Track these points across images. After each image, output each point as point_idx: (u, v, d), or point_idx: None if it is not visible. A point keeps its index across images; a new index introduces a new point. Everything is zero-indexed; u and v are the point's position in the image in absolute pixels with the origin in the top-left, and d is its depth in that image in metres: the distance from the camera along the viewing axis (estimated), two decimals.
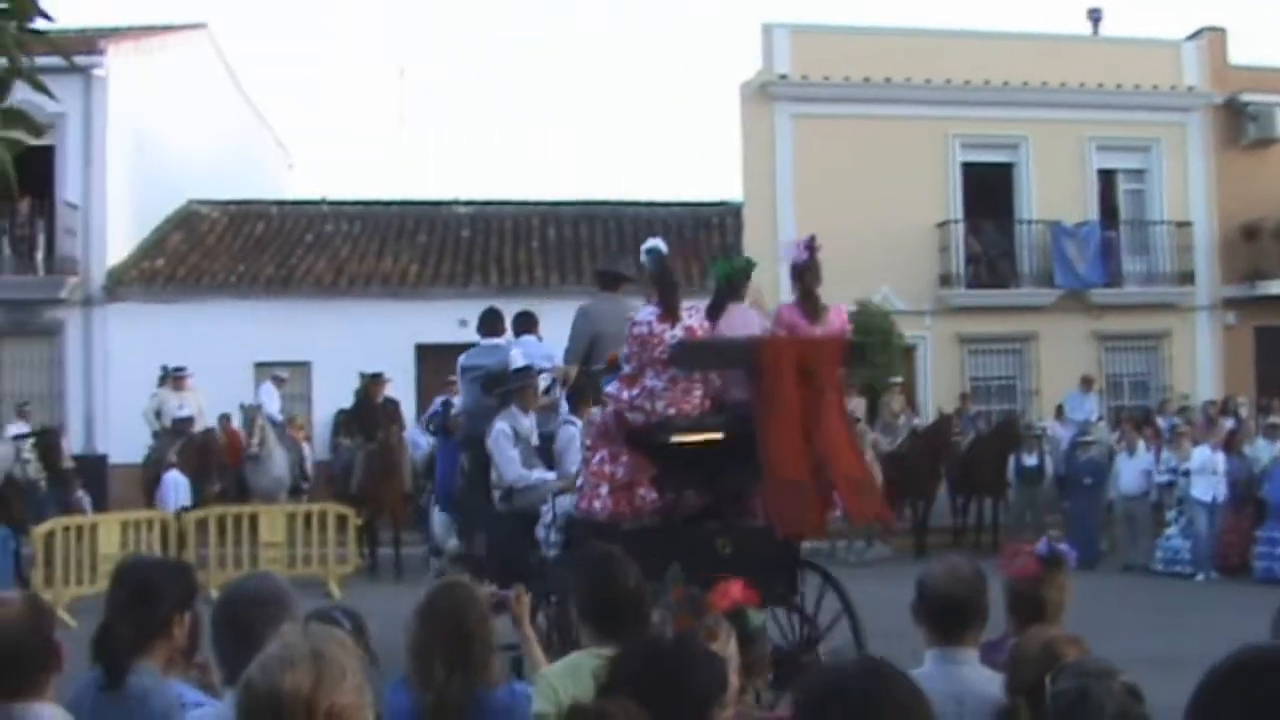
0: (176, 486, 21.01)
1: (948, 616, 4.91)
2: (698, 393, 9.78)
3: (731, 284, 10.65)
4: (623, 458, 9.82)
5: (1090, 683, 3.80)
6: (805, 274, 10.31)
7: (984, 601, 4.93)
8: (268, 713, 3.01)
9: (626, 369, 9.85)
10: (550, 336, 23.22)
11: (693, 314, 9.91)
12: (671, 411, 9.65)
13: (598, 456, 9.94)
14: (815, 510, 9.49)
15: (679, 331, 9.62)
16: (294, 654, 3.09)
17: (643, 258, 10.25)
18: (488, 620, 5.23)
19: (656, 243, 10.39)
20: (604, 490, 9.84)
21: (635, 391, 9.69)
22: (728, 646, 4.74)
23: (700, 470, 9.98)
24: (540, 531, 10.64)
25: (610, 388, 10.07)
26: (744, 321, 10.22)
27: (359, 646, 4.02)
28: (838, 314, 10.26)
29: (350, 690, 3.09)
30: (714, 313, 10.18)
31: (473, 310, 25.16)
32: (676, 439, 9.70)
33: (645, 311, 9.80)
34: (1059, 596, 5.41)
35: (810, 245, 10.44)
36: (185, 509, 20.14)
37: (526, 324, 13.06)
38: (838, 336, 10.08)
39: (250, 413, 21.57)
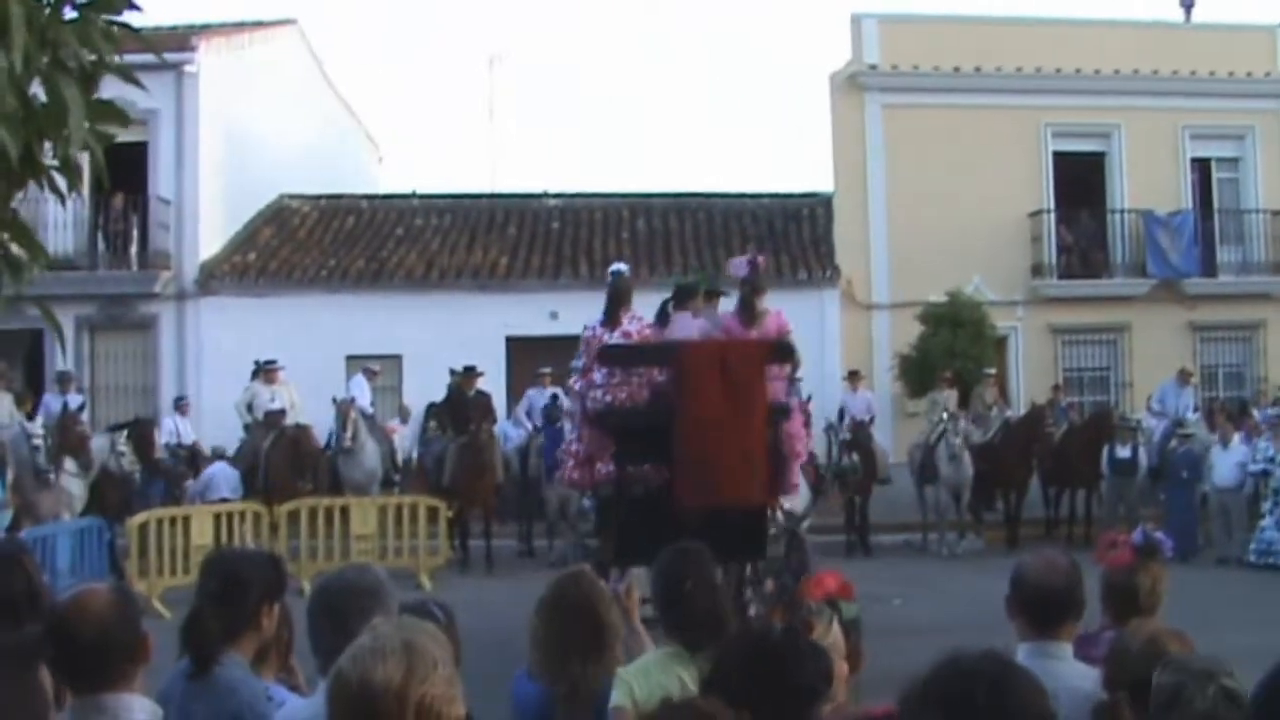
0: (214, 481, 21.20)
1: (1043, 609, 4.85)
2: (635, 384, 11.90)
3: (679, 298, 12.54)
4: (584, 436, 12.17)
5: (1187, 680, 3.69)
6: (744, 286, 12.29)
7: (1080, 594, 4.88)
8: (359, 704, 3.03)
9: (578, 364, 12.31)
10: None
11: (632, 322, 12.43)
12: (609, 399, 11.88)
13: (569, 436, 12.66)
14: (725, 485, 11.14)
15: (617, 336, 12.13)
16: (386, 645, 3.10)
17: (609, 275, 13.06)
18: (615, 609, 5.30)
19: (619, 266, 13.41)
20: (570, 464, 12.53)
21: (584, 383, 12.09)
22: (828, 635, 4.70)
23: (655, 447, 11.62)
24: None
25: (572, 379, 12.47)
26: (684, 327, 12.10)
27: (450, 639, 4.23)
28: (775, 319, 12.14)
29: (441, 681, 3.10)
30: (662, 320, 12.49)
31: (563, 303, 25.76)
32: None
33: (595, 320, 12.55)
34: (1154, 586, 5.38)
35: (753, 262, 12.48)
36: (224, 501, 20.21)
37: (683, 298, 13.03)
38: (758, 340, 11.84)
39: (343, 406, 21.71)
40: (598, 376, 11.96)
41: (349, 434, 21.36)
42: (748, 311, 12.13)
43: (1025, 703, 3.05)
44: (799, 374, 12.51)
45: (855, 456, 21.07)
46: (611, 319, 12.45)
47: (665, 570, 5.42)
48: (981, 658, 3.13)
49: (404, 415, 25.00)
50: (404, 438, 24.37)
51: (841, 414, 23.42)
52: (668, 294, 13.34)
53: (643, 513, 11.48)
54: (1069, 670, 4.72)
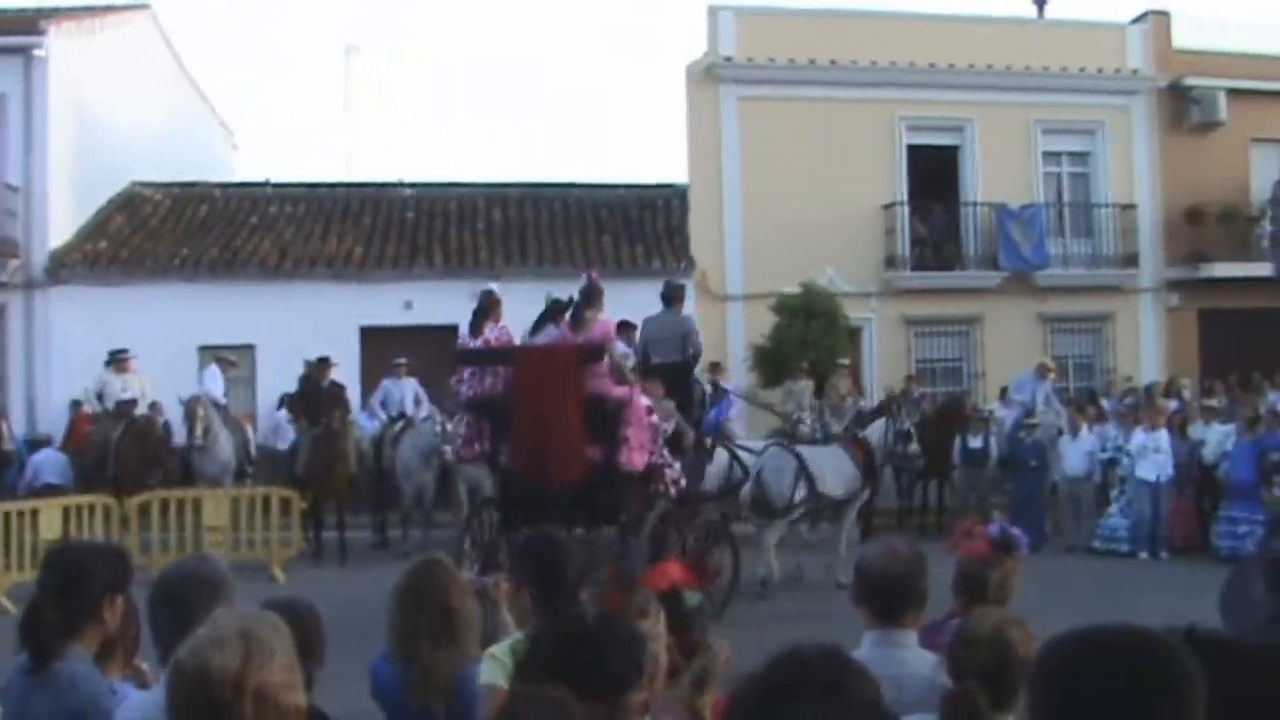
0: (40, 467, 21.63)
1: (886, 598, 5.06)
2: (490, 381, 14.88)
3: (551, 314, 14.95)
4: (468, 419, 15.53)
5: None
6: (578, 298, 14.59)
7: (923, 583, 5.10)
8: (197, 692, 3.13)
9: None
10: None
11: (493, 330, 15.58)
12: (470, 392, 15.11)
13: (464, 419, 15.84)
14: (549, 463, 13.84)
15: (479, 343, 15.41)
16: (224, 634, 3.20)
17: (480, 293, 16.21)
18: (469, 597, 5.47)
19: (491, 286, 16.54)
20: (459, 441, 16.23)
21: (457, 378, 15.47)
22: (658, 625, 4.74)
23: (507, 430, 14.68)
24: None
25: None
26: (545, 335, 14.86)
27: (317, 637, 4.71)
28: (600, 326, 14.34)
29: (280, 669, 3.23)
30: (535, 331, 15.16)
31: (418, 292, 26.56)
32: None
33: (464, 328, 16.07)
34: (1006, 580, 5.63)
35: (588, 278, 14.85)
36: (50, 487, 20.67)
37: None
38: (575, 344, 14.21)
39: (190, 406, 21.90)
40: (466, 374, 15.20)
41: (198, 432, 21.64)
42: (577, 320, 14.40)
43: (861, 701, 3.20)
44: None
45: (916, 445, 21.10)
46: (476, 329, 15.70)
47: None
48: (818, 653, 3.26)
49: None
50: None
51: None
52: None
53: (516, 486, 14.54)
54: (913, 658, 4.96)
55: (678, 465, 15.04)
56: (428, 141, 64.38)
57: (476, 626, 5.47)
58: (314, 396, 22.77)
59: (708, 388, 18.51)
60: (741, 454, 17.99)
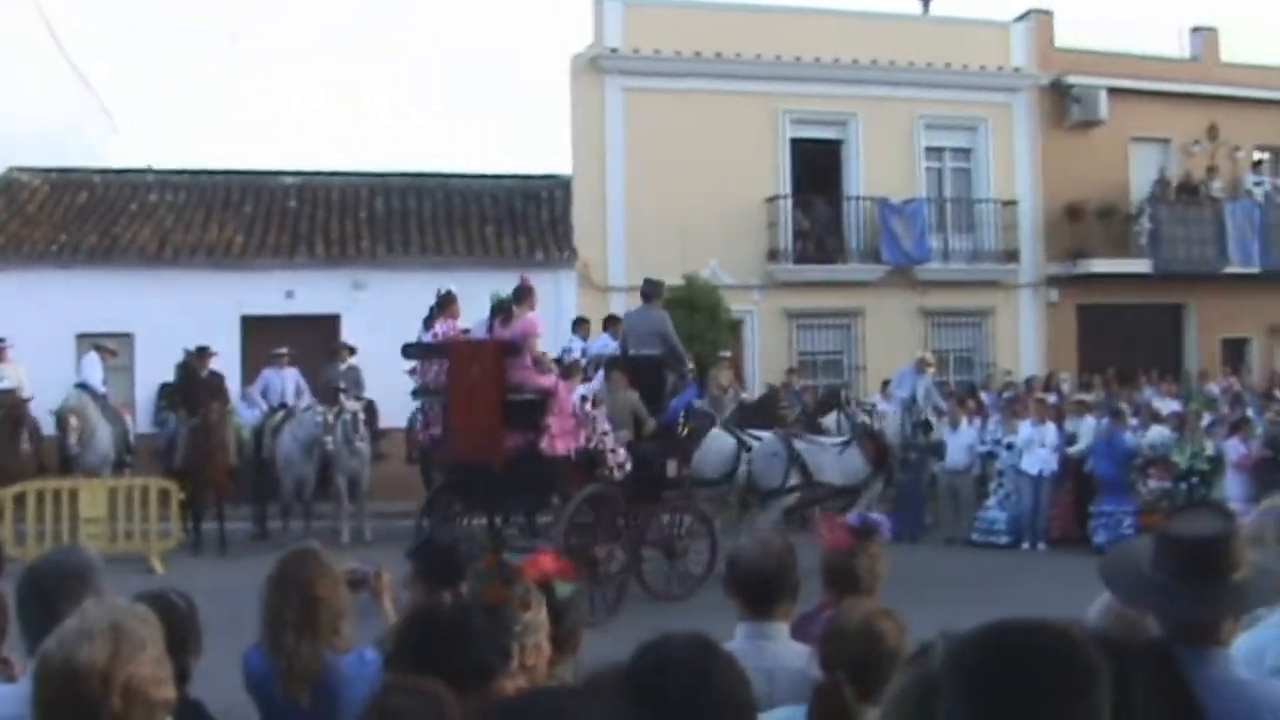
0: None
1: (756, 590, 5.21)
2: (435, 372, 17.09)
3: (497, 311, 16.78)
4: (425, 406, 18.03)
5: (936, 641, 3.71)
6: (512, 293, 16.67)
7: (793, 576, 5.26)
8: (64, 685, 3.15)
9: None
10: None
11: (443, 325, 17.64)
12: (420, 381, 17.60)
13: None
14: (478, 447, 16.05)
15: (428, 337, 17.62)
16: (93, 627, 3.21)
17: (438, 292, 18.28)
18: (338, 587, 5.53)
19: (449, 287, 18.51)
20: (419, 426, 19.06)
21: (411, 369, 17.92)
22: (539, 616, 4.80)
23: None
24: None
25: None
26: (479, 330, 17.11)
27: (192, 628, 4.87)
28: (522, 323, 16.17)
29: (148, 663, 3.25)
30: (490, 326, 16.87)
31: (299, 282, 27.11)
32: None
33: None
34: (873, 567, 5.74)
35: (522, 277, 17.06)
36: None
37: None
38: (497, 340, 16.34)
39: (62, 416, 22.13)
40: (420, 365, 17.61)
41: (73, 440, 21.79)
42: (506, 314, 16.47)
43: (724, 693, 3.41)
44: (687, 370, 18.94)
45: (929, 436, 22.33)
46: (429, 324, 18.00)
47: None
48: (686, 644, 3.47)
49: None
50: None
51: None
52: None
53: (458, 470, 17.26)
54: (784, 650, 5.11)
55: (622, 451, 16.38)
56: (310, 129, 64.59)
57: (346, 617, 5.50)
58: (192, 386, 22.94)
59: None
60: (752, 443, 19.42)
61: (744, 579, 5.26)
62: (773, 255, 30.70)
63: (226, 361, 25.05)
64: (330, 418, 22.19)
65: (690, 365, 19.44)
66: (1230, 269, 33.35)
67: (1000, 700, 2.47)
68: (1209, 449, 21.72)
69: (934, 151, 32.80)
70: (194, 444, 21.98)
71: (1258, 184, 34.48)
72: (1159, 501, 20.81)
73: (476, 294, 26.41)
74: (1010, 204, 32.54)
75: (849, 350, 31.44)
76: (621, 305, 28.77)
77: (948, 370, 31.42)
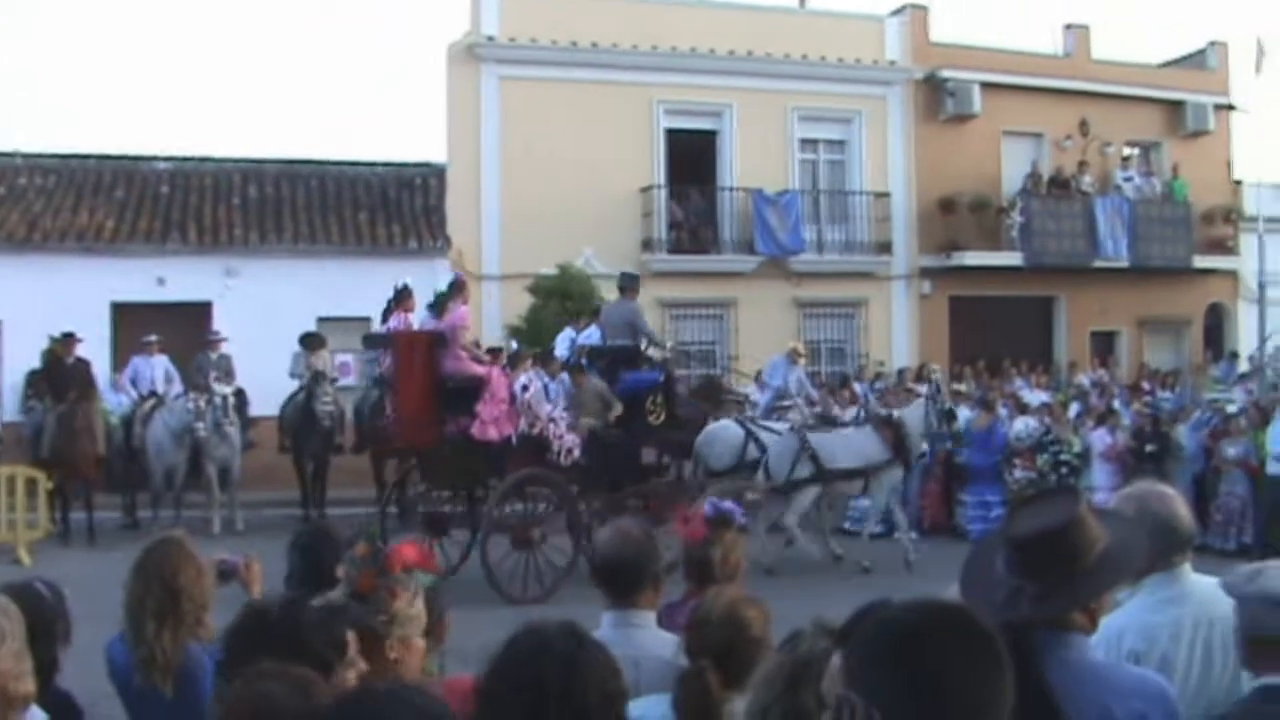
0: None
1: (618, 579, 5.33)
2: (388, 361, 18.38)
3: (434, 304, 17.92)
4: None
5: (804, 629, 3.78)
6: (448, 286, 18.19)
7: (654, 564, 5.36)
8: None
9: None
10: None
11: (397, 319, 18.43)
12: (378, 371, 19.58)
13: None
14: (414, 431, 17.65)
15: (384, 329, 18.65)
16: None
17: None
18: (202, 577, 5.55)
19: (406, 280, 19.04)
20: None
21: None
22: (411, 606, 4.79)
23: None
24: None
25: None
26: (428, 323, 17.97)
27: (60, 618, 4.99)
28: (455, 315, 17.35)
29: (7, 656, 3.26)
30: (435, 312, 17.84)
31: (171, 268, 27.59)
32: None
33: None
34: (728, 555, 5.91)
35: (458, 274, 18.95)
36: None
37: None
38: (429, 330, 17.58)
39: None
40: (379, 355, 19.29)
41: None
42: (440, 305, 17.66)
43: (595, 681, 3.50)
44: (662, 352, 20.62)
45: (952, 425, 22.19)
46: (385, 317, 18.79)
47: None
48: (557, 633, 3.57)
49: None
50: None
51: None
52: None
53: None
54: (650, 638, 5.22)
55: (571, 437, 17.70)
56: (184, 114, 64.57)
57: (210, 608, 5.52)
58: (59, 373, 23.10)
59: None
60: (763, 435, 20.36)
61: (605, 568, 5.41)
62: (647, 245, 31.63)
63: (96, 349, 25.18)
64: (201, 405, 22.51)
65: (662, 352, 20.66)
66: (1100, 263, 34.94)
67: (935, 670, 2.56)
68: (1077, 445, 22.83)
69: (808, 143, 34.00)
70: (61, 432, 22.01)
71: (1127, 179, 36.06)
72: (1025, 490, 21.32)
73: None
74: (883, 196, 33.76)
75: (722, 340, 32.39)
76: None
77: (820, 361, 32.50)
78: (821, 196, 33.83)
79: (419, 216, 31.02)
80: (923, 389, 27.07)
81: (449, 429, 17.29)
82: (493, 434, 17.10)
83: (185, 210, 30.04)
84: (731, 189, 32.61)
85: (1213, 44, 38.13)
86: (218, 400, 22.74)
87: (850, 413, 23.67)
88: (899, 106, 34.34)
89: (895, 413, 21.24)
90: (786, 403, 24.96)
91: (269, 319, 25.97)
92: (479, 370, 17.32)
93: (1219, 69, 37.88)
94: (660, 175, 32.11)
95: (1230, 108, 37.54)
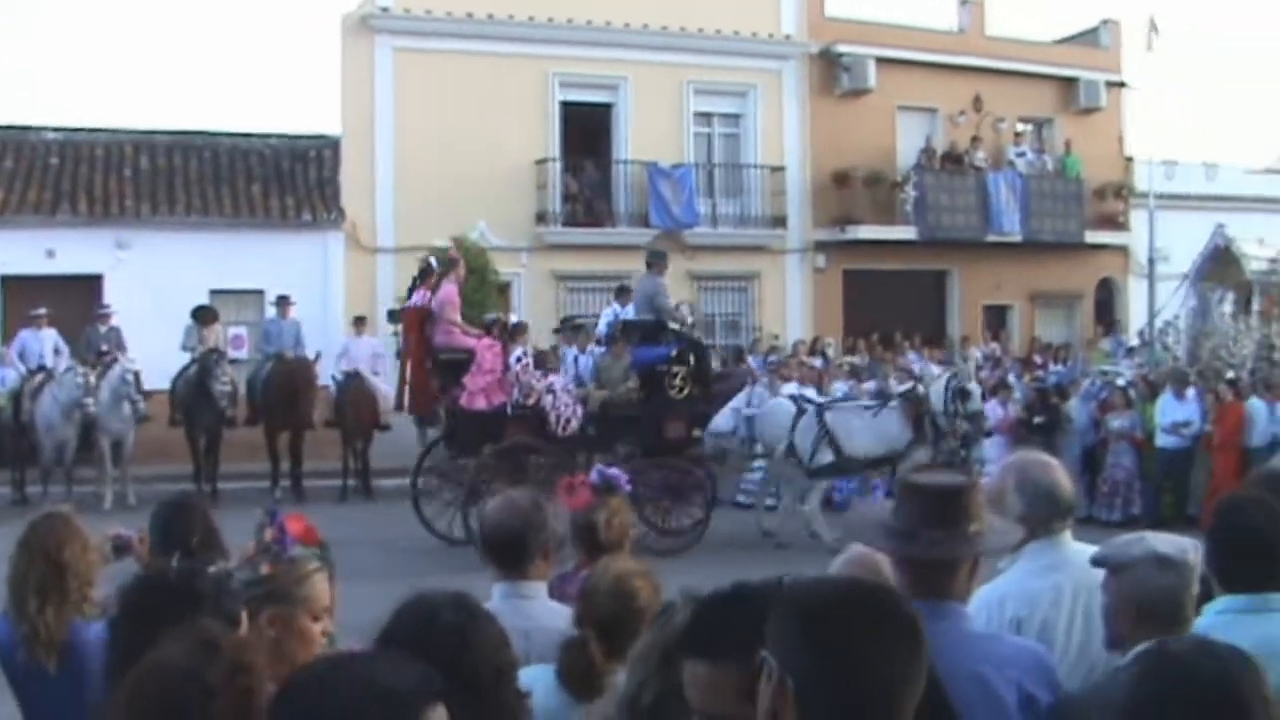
0: None
1: (506, 549, 5.42)
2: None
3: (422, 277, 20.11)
4: None
5: (679, 601, 3.94)
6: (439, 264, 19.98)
7: (542, 535, 5.45)
8: None
9: None
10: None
11: (420, 295, 19.59)
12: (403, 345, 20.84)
13: None
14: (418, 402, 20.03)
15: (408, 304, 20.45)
16: None
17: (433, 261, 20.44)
18: (88, 553, 5.56)
19: (430, 258, 20.66)
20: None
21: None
22: (314, 584, 4.67)
23: None
24: None
25: None
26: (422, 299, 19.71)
27: None
28: (443, 291, 19.06)
29: None
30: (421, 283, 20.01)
31: (60, 241, 27.98)
32: None
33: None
34: (612, 521, 6.06)
35: (450, 250, 20.89)
36: None
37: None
38: (417, 306, 19.44)
39: None
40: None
41: None
42: (431, 282, 19.43)
43: (485, 652, 3.59)
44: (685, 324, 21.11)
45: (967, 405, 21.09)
46: (410, 294, 20.45)
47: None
48: (445, 605, 3.64)
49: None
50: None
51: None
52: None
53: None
54: (541, 609, 5.33)
55: (568, 409, 18.87)
56: (74, 84, 64.38)
57: (96, 584, 5.51)
58: None
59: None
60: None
61: (492, 539, 5.51)
62: (541, 218, 32.49)
63: None
64: (93, 379, 22.75)
65: (683, 326, 20.94)
66: (993, 237, 36.34)
67: (851, 647, 2.63)
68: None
69: (703, 117, 35.09)
70: None
71: (1020, 155, 37.38)
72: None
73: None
74: (778, 170, 34.93)
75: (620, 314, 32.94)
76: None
77: (715, 334, 33.25)
78: (716, 170, 34.97)
79: (313, 189, 31.56)
80: (817, 362, 28.00)
81: (446, 400, 19.12)
82: (480, 403, 18.57)
83: (75, 181, 30.19)
84: (626, 162, 33.51)
85: (1106, 22, 39.79)
86: (128, 375, 22.99)
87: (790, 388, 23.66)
88: (794, 81, 35.44)
89: (920, 388, 21.32)
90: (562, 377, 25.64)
91: (160, 292, 26.43)
92: (468, 343, 18.91)
93: (1112, 46, 39.46)
94: (555, 148, 32.91)
95: (1122, 85, 38.95)
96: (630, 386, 19.71)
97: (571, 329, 25.06)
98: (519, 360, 18.84)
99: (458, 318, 19.38)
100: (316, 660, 3.10)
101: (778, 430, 20.52)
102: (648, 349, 20.07)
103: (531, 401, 18.69)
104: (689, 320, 21.54)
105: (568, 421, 18.80)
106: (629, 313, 22.05)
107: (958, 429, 20.86)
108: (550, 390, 18.94)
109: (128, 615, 4.05)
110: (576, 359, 23.38)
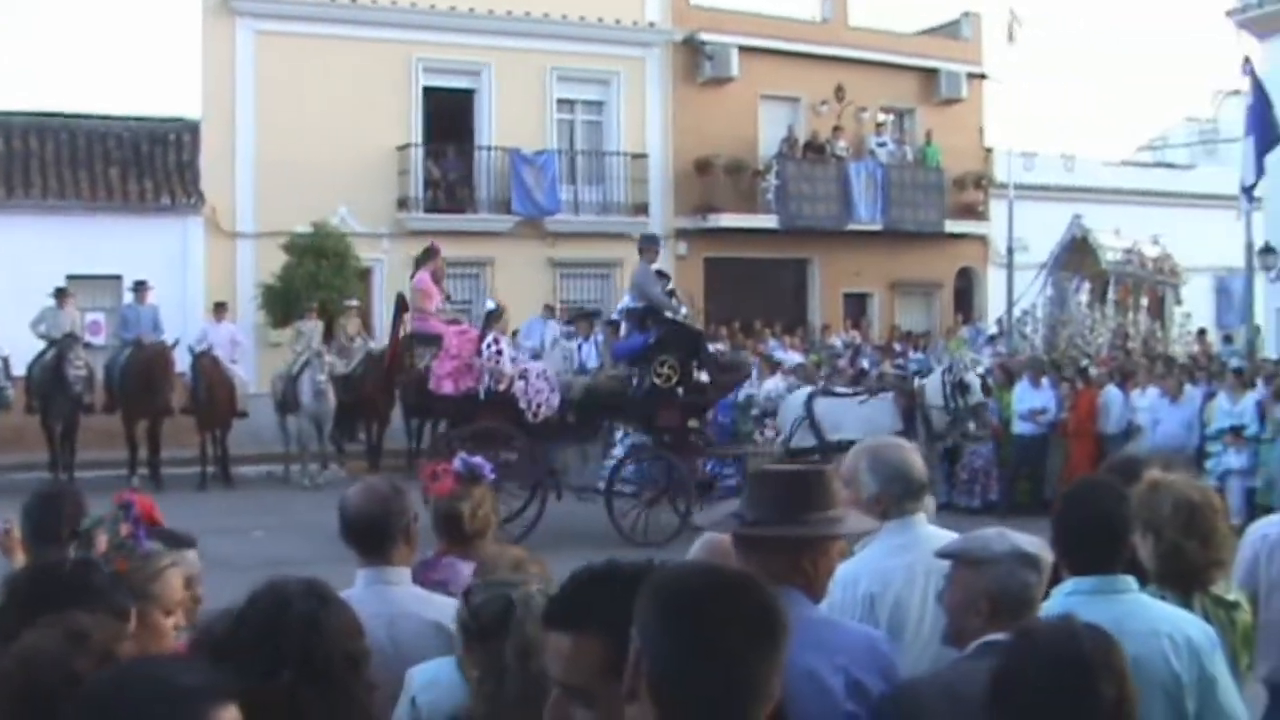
0: None
1: (366, 536, 5.42)
2: None
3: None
4: None
5: (509, 592, 4.18)
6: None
7: (404, 521, 5.47)
8: None
9: None
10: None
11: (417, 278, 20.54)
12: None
13: None
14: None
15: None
16: None
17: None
18: None
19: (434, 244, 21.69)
20: None
21: None
22: (159, 580, 4.71)
23: None
24: None
25: None
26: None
27: None
28: (417, 279, 20.20)
29: None
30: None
31: None
32: None
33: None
34: (477, 510, 6.09)
35: (432, 243, 21.77)
36: None
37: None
38: (401, 295, 21.47)
39: None
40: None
41: None
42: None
43: (336, 640, 3.68)
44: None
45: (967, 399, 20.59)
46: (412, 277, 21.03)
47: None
48: (298, 591, 3.71)
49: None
50: None
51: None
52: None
53: None
54: (405, 596, 5.36)
55: (539, 393, 19.11)
56: None
57: None
58: None
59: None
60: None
61: (352, 525, 5.47)
62: (403, 204, 33.29)
63: None
64: None
65: (673, 313, 20.37)
66: (853, 226, 37.71)
67: (711, 635, 2.63)
68: None
69: (566, 104, 36.13)
70: None
71: (881, 144, 38.79)
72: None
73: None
74: (641, 157, 35.97)
75: (478, 300, 33.43)
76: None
77: None
78: (579, 157, 35.99)
79: (172, 172, 31.83)
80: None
81: (408, 379, 20.62)
82: (447, 388, 19.25)
83: None
84: (489, 148, 34.31)
85: (967, 14, 41.38)
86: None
87: None
88: (657, 68, 36.54)
89: (919, 381, 21.33)
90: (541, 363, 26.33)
91: (16, 276, 26.66)
92: (437, 328, 19.61)
93: (973, 38, 41.11)
94: (417, 133, 33.67)
95: (983, 77, 40.48)
96: (611, 374, 20.29)
97: (581, 317, 26.13)
98: (489, 346, 19.24)
99: (429, 306, 20.00)
100: (116, 664, 3.14)
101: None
102: (631, 339, 20.37)
103: (503, 387, 19.06)
104: (680, 308, 21.02)
105: (539, 408, 19.09)
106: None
107: (965, 427, 20.77)
108: (523, 376, 19.30)
109: (16, 606, 3.99)
110: (580, 346, 24.79)
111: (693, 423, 20.35)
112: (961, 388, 20.15)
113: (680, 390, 19.50)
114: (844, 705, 4.13)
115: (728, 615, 2.66)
